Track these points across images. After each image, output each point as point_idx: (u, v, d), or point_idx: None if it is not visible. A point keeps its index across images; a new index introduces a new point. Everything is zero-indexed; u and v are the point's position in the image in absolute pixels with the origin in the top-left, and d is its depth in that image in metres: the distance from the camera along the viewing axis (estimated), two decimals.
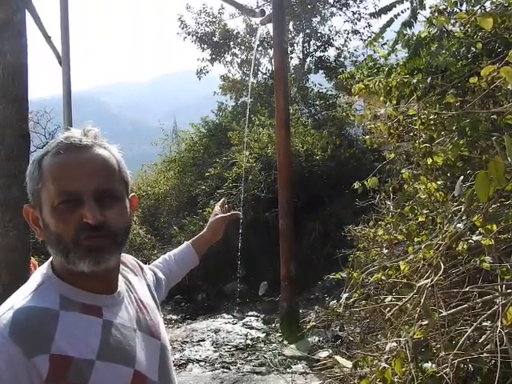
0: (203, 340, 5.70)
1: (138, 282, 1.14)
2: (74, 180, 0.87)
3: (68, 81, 6.00)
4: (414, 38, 3.42)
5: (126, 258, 1.17)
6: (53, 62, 6.39)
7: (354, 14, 13.30)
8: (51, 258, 0.97)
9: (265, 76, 13.81)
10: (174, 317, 7.21)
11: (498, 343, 1.65)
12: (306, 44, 14.04)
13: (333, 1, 13.43)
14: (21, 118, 3.32)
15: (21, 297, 0.88)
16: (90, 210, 0.86)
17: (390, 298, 2.39)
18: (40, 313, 0.85)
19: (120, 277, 1.04)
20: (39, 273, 0.96)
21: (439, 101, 3.16)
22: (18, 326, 0.81)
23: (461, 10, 3.23)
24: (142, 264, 1.23)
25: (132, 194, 1.02)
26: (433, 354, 1.98)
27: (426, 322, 1.96)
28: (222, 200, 1.74)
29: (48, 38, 6.04)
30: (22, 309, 0.84)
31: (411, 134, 3.39)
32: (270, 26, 7.72)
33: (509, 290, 1.85)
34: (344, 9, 13.37)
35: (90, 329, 0.90)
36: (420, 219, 2.88)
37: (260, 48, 13.78)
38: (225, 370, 4.77)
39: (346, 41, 13.59)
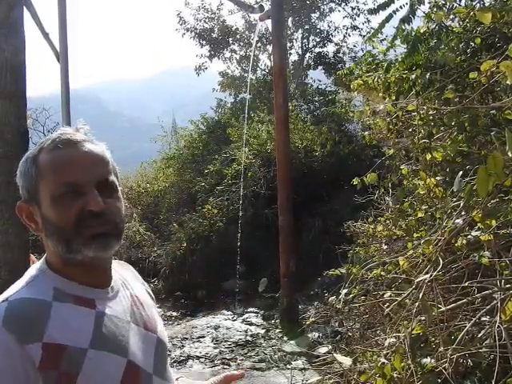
0: (203, 336, 5.71)
1: (137, 282, 1.15)
2: (76, 171, 0.92)
3: (66, 78, 5.99)
4: (413, 33, 3.41)
5: (129, 266, 1.20)
6: (51, 59, 6.38)
7: (353, 9, 13.27)
8: (45, 254, 0.99)
9: (264, 72, 13.79)
10: (174, 313, 7.22)
11: (497, 338, 1.66)
12: (305, 40, 14.01)
13: None
14: (19, 115, 3.31)
15: (15, 289, 0.91)
16: (94, 197, 0.90)
17: (389, 293, 2.39)
18: (33, 304, 0.87)
19: (116, 274, 1.05)
20: (34, 267, 0.98)
21: (438, 96, 3.15)
22: (11, 315, 0.84)
23: (460, 5, 3.22)
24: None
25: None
26: (432, 349, 1.98)
27: (424, 318, 1.96)
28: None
29: (46, 35, 6.01)
30: (16, 300, 0.87)
31: (410, 130, 3.38)
32: (268, 22, 7.69)
33: (508, 285, 1.85)
34: (343, 4, 13.33)
35: (82, 319, 0.91)
36: (419, 215, 2.88)
37: (259, 44, 13.75)
38: (225, 367, 4.78)
39: (345, 36, 13.57)
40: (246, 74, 13.88)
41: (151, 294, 1.20)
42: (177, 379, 1.21)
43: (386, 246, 3.39)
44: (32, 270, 0.97)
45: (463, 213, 2.12)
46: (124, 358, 0.93)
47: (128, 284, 1.09)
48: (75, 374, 0.85)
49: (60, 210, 0.91)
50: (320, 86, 12.88)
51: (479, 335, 1.93)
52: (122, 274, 1.10)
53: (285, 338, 5.56)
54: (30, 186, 0.95)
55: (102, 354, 0.89)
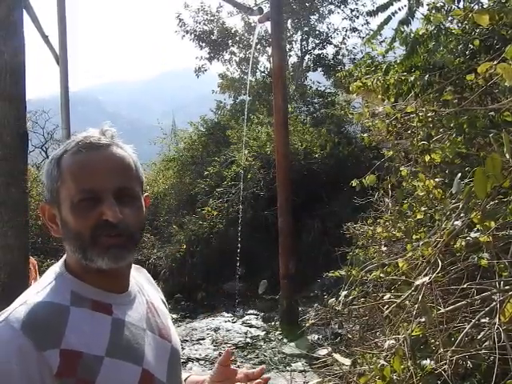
0: (203, 339, 5.71)
1: (152, 288, 1.14)
2: (95, 178, 0.89)
3: (65, 80, 6.00)
4: (412, 35, 3.41)
5: (144, 271, 1.18)
6: (51, 62, 6.39)
7: (352, 11, 13.29)
8: (65, 255, 0.98)
9: (263, 74, 13.81)
10: (174, 316, 7.21)
11: (496, 340, 1.66)
12: (305, 42, 14.04)
13: None
14: (19, 117, 3.32)
15: (33, 292, 0.89)
16: (110, 207, 0.88)
17: (388, 295, 2.39)
18: (51, 308, 0.86)
19: (133, 280, 1.04)
20: (53, 270, 0.96)
21: (437, 98, 3.16)
22: (29, 320, 0.82)
23: (458, 7, 3.22)
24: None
25: (145, 194, 1.03)
26: (431, 350, 1.98)
27: (424, 319, 1.96)
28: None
29: (45, 38, 6.03)
30: (34, 304, 0.85)
31: (409, 132, 3.39)
32: (268, 24, 7.71)
33: (507, 287, 1.85)
34: (342, 6, 13.35)
35: (99, 325, 0.90)
36: (418, 216, 2.88)
37: (258, 46, 13.77)
38: None
39: (344, 38, 13.59)
40: (245, 76, 13.89)
41: (165, 301, 1.19)
42: (186, 378, 1.19)
43: (385, 248, 3.39)
44: (50, 273, 0.96)
45: (462, 214, 2.12)
46: (139, 367, 0.92)
47: (144, 290, 1.07)
48: (91, 381, 0.84)
49: (78, 216, 0.89)
50: (319, 88, 12.90)
51: (479, 337, 1.93)
52: (138, 279, 1.09)
53: (285, 340, 5.56)
54: (52, 188, 0.93)
55: (117, 363, 0.88)
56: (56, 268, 0.96)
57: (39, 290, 0.90)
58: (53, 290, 0.90)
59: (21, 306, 0.85)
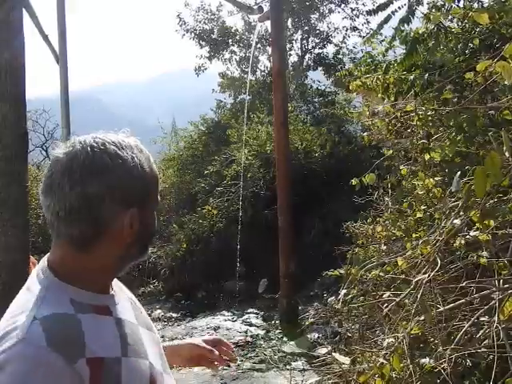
0: None
1: (120, 282, 1.14)
2: None
3: (65, 80, 6.00)
4: (412, 34, 3.41)
5: None
6: (51, 61, 6.39)
7: (352, 10, 13.26)
8: (46, 259, 0.93)
9: (263, 73, 13.80)
10: (174, 315, 7.22)
11: (496, 338, 1.66)
12: (305, 41, 14.02)
13: None
14: (19, 117, 3.32)
15: (31, 306, 0.84)
16: None
17: (388, 293, 2.39)
18: (64, 318, 0.84)
19: None
20: (35, 277, 0.91)
21: (437, 97, 3.16)
22: (52, 333, 0.79)
23: (458, 6, 3.22)
24: None
25: None
26: (431, 349, 1.99)
27: (423, 318, 1.96)
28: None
29: (45, 37, 6.03)
30: (46, 317, 0.82)
31: (409, 131, 3.39)
32: (268, 23, 7.71)
33: (506, 285, 1.86)
34: (343, 5, 13.33)
35: (107, 328, 0.90)
36: (418, 215, 2.88)
37: (258, 45, 13.77)
38: (225, 368, 4.78)
39: (344, 37, 13.57)
40: (245, 75, 13.89)
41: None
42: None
43: (385, 247, 3.40)
44: (35, 282, 0.90)
45: (461, 213, 2.13)
46: (147, 361, 0.94)
47: (120, 286, 1.08)
48: None
49: (155, 218, 1.01)
50: (320, 87, 12.88)
51: (478, 335, 1.93)
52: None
53: (284, 339, 5.56)
54: (143, 190, 0.94)
55: (132, 361, 0.90)
56: (39, 274, 0.91)
57: (37, 301, 0.85)
58: (52, 300, 0.86)
59: (34, 323, 0.80)
